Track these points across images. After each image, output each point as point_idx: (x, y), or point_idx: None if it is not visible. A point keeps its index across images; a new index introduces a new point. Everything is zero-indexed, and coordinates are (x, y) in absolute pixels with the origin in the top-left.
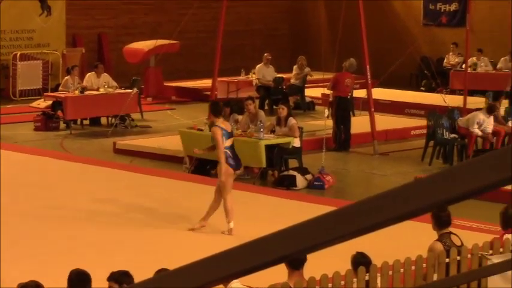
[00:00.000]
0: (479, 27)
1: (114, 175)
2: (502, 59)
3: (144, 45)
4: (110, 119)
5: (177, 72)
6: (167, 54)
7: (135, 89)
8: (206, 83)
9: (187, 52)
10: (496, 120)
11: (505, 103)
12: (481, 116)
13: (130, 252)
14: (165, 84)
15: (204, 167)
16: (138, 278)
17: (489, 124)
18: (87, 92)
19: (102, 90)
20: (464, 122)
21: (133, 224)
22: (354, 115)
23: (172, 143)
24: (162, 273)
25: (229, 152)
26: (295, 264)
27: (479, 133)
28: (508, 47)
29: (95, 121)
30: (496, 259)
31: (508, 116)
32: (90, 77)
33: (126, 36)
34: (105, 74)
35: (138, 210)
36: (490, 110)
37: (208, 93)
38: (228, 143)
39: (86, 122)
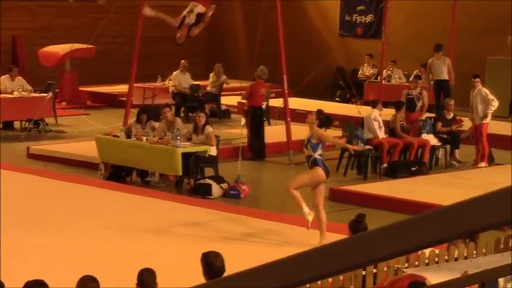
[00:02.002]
0: (394, 39)
1: (28, 180)
2: (415, 71)
3: (60, 48)
4: (23, 123)
5: (92, 77)
6: (83, 58)
7: (50, 93)
8: (122, 88)
9: (103, 57)
10: (398, 131)
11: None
12: (374, 113)
13: (44, 257)
14: (80, 88)
15: (119, 174)
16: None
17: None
18: (0, 95)
19: (16, 93)
20: (367, 133)
21: (48, 230)
22: (269, 124)
23: (87, 149)
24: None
25: (322, 158)
26: None
27: (384, 135)
28: (422, 60)
29: (8, 125)
30: (411, 272)
31: (423, 129)
32: (4, 80)
33: (41, 39)
34: (20, 77)
35: (52, 216)
36: (374, 103)
37: (124, 98)
38: (320, 151)
39: None
